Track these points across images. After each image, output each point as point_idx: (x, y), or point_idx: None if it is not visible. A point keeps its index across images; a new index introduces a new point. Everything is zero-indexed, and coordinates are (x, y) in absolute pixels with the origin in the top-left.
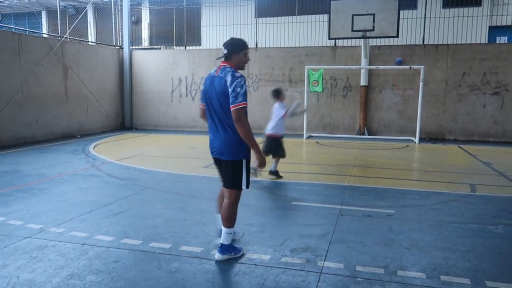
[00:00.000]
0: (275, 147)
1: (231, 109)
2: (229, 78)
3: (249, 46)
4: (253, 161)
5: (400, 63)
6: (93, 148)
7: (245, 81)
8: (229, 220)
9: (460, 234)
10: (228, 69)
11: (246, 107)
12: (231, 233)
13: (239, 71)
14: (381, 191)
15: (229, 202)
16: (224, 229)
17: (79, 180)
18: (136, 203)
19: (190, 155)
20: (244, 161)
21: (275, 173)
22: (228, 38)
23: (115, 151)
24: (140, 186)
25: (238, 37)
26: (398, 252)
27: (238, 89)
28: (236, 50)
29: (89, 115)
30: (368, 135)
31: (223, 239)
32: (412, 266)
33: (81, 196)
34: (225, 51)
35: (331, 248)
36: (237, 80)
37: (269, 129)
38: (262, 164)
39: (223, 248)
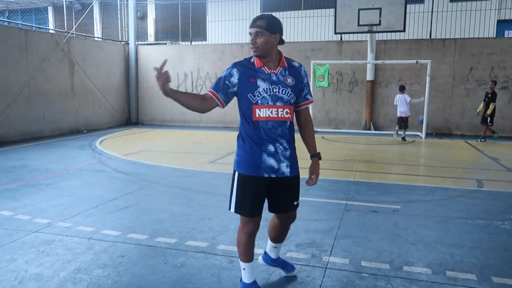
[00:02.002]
0: (404, 123)
1: None
2: None
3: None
4: None
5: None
6: (100, 143)
7: (228, 68)
8: (239, 250)
9: (466, 229)
10: None
11: (207, 93)
12: (244, 269)
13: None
14: (387, 186)
15: (238, 227)
16: (240, 263)
17: (86, 175)
18: (142, 198)
19: (196, 150)
20: (236, 174)
21: (404, 138)
22: (235, 32)
23: (121, 146)
24: (146, 181)
25: (243, 31)
26: (404, 248)
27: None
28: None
29: (96, 111)
30: (374, 130)
31: (242, 275)
32: (417, 261)
33: (88, 191)
34: None
35: (336, 243)
36: None
37: (400, 113)
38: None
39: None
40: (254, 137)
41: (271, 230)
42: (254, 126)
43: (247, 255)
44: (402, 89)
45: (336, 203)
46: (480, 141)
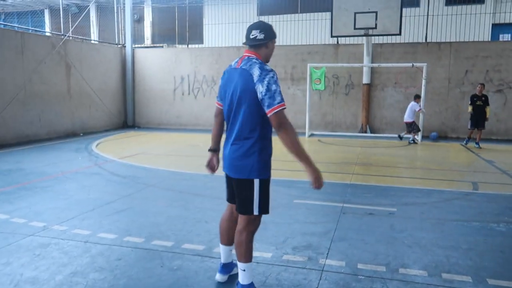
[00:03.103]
0: (414, 127)
1: (269, 114)
2: (256, 71)
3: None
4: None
5: (435, 137)
6: (96, 146)
7: (275, 75)
8: (239, 251)
9: (462, 232)
10: (254, 60)
11: (285, 108)
12: (244, 270)
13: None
14: (383, 189)
15: (238, 229)
16: (238, 264)
17: (82, 178)
18: (138, 201)
19: (193, 153)
20: (256, 181)
21: (414, 140)
22: (232, 35)
23: (117, 149)
24: (143, 184)
25: (240, 35)
26: (400, 250)
27: (274, 87)
28: (272, 37)
29: (92, 114)
30: (371, 133)
31: (240, 278)
32: (413, 264)
33: (84, 194)
34: (261, 36)
35: (333, 246)
36: (269, 75)
37: (407, 118)
38: (317, 180)
39: None
40: (271, 139)
41: (230, 231)
42: (270, 130)
43: (249, 254)
44: (416, 97)
45: (332, 205)
46: (478, 146)
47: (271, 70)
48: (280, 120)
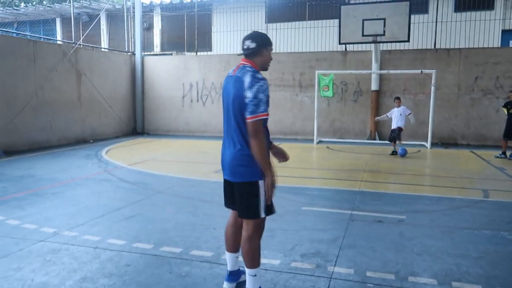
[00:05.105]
0: (398, 135)
1: (248, 121)
2: (247, 79)
3: None
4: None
5: (404, 152)
6: (106, 153)
7: (265, 84)
8: (248, 257)
9: (472, 240)
10: (248, 68)
11: (267, 118)
12: (255, 275)
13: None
14: (392, 196)
15: (247, 235)
16: (246, 271)
17: (92, 184)
18: (147, 208)
19: (201, 160)
20: (261, 182)
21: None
22: (240, 43)
23: (127, 156)
24: (152, 190)
25: None
26: (409, 258)
27: (261, 96)
28: (265, 45)
29: (102, 120)
30: (379, 140)
31: (248, 284)
32: (423, 272)
33: (94, 200)
34: (253, 45)
35: (341, 253)
36: (259, 84)
37: (397, 124)
38: (272, 185)
39: None
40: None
41: (236, 237)
42: (266, 132)
43: (259, 259)
44: (396, 99)
45: (341, 213)
46: (500, 156)
47: (262, 79)
48: (256, 128)
